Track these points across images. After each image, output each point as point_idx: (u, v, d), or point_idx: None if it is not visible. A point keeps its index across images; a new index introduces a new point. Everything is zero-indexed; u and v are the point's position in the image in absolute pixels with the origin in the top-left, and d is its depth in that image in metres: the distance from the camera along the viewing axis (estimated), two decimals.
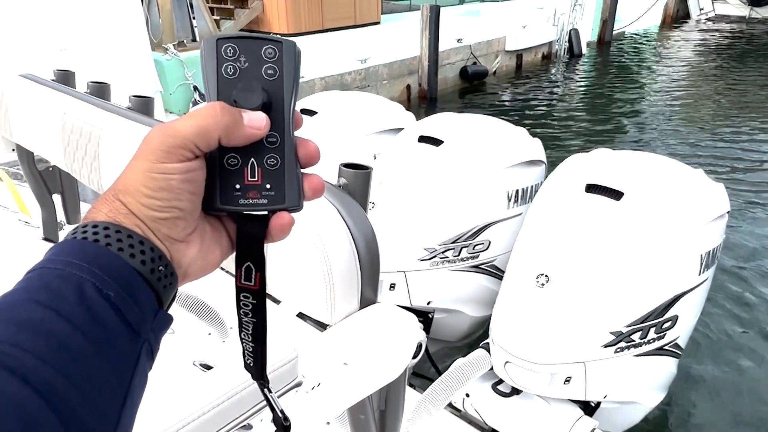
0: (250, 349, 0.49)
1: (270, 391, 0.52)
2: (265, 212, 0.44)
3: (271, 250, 0.79)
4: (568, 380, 1.62)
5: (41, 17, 3.84)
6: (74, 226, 0.41)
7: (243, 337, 0.48)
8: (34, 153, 1.63)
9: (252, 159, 0.43)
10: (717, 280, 3.47)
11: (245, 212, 0.44)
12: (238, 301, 0.47)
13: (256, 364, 0.50)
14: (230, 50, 0.43)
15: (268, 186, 0.43)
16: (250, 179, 0.43)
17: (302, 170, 0.45)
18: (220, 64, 0.43)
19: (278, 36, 0.44)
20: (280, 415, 0.54)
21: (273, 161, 0.43)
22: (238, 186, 0.43)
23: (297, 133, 0.45)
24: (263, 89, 0.42)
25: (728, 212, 1.82)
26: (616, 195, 1.71)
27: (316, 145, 0.45)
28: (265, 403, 0.55)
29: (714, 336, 3.18)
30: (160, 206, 0.40)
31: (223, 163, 0.43)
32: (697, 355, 2.96)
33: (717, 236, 1.75)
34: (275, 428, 0.55)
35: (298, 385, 0.83)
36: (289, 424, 0.55)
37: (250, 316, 0.47)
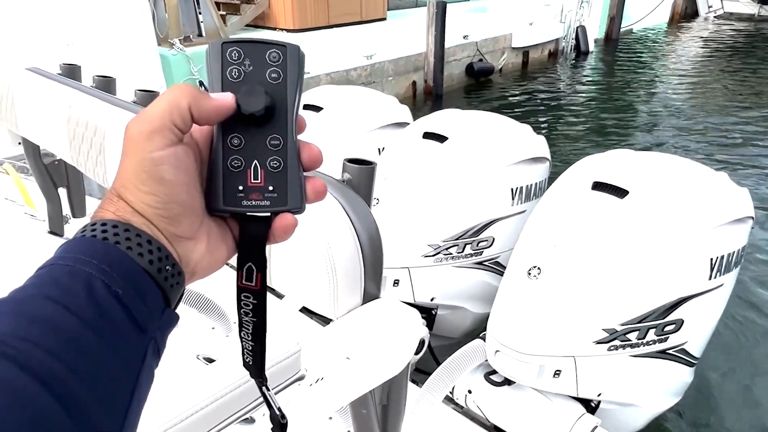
0: (250, 348, 0.49)
1: (268, 389, 0.53)
2: (268, 214, 0.45)
3: (275, 244, 0.79)
4: (557, 374, 1.62)
5: (47, 11, 3.86)
6: (83, 223, 0.41)
7: (243, 336, 0.49)
8: (40, 146, 1.64)
9: (255, 161, 0.43)
10: (742, 288, 3.39)
11: (248, 213, 0.44)
12: (239, 300, 0.47)
13: (255, 362, 0.50)
14: (235, 54, 0.43)
15: (270, 188, 0.44)
16: (253, 181, 0.43)
17: (305, 173, 0.45)
18: (225, 67, 0.43)
19: (283, 41, 0.44)
20: (278, 412, 0.54)
21: (276, 163, 0.44)
22: (241, 188, 0.43)
23: (300, 136, 0.45)
24: (267, 93, 0.43)
25: (752, 218, 1.75)
26: (621, 193, 1.70)
27: (319, 148, 0.46)
28: None
29: (737, 346, 3.04)
30: (161, 203, 0.40)
31: (226, 165, 0.43)
32: (716, 365, 2.84)
33: (734, 241, 1.70)
34: (272, 426, 0.55)
35: (301, 378, 0.83)
36: (286, 422, 0.55)
37: (251, 315, 0.48)
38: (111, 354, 0.35)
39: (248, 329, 0.48)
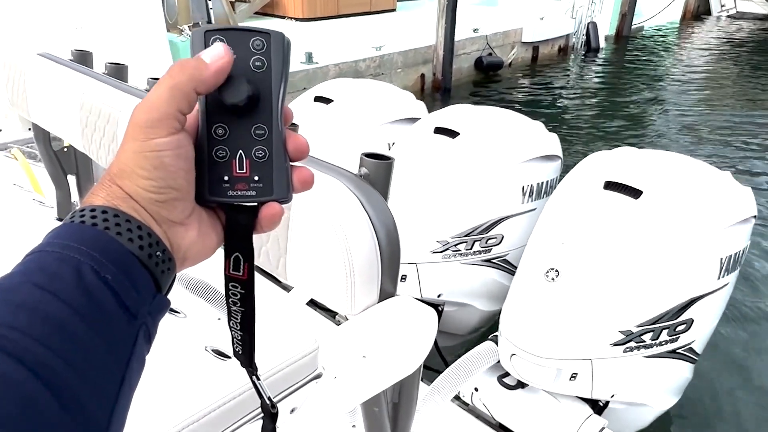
0: (239, 338, 0.50)
1: (258, 378, 0.53)
2: (254, 204, 0.44)
3: (291, 239, 0.78)
4: (574, 376, 1.61)
5: None
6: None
7: (231, 325, 0.49)
8: (51, 133, 1.63)
9: (240, 151, 0.43)
10: (740, 286, 3.42)
11: (234, 204, 0.44)
12: (227, 290, 0.47)
13: (244, 351, 0.50)
14: (218, 42, 0.43)
15: (256, 178, 0.44)
16: (238, 171, 0.43)
17: (292, 163, 0.45)
18: None
19: (267, 28, 0.44)
20: (268, 402, 0.55)
21: (261, 153, 0.43)
22: (226, 178, 0.43)
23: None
24: (250, 82, 0.42)
25: (755, 217, 1.77)
26: (635, 193, 1.69)
27: (305, 139, 0.46)
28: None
29: (734, 343, 3.10)
30: (157, 187, 0.40)
31: (211, 156, 0.43)
32: (714, 361, 2.89)
33: (740, 241, 1.71)
34: (263, 415, 0.55)
35: (318, 377, 0.82)
36: (276, 411, 0.56)
37: (239, 305, 0.48)
38: (100, 340, 0.35)
39: (237, 319, 0.48)
